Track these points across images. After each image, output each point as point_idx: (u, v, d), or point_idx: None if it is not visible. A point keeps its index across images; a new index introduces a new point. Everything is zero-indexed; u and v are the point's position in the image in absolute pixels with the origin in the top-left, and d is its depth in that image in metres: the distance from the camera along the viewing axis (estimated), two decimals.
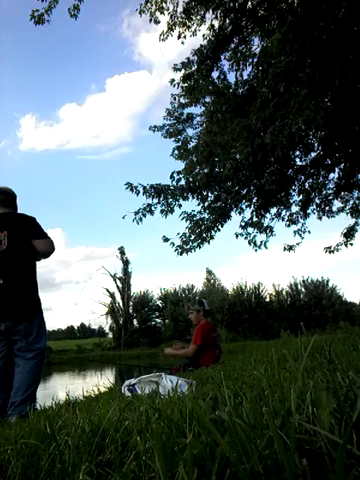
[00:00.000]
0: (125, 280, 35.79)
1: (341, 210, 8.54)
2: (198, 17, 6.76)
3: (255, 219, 7.54)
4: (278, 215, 7.89)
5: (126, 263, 36.11)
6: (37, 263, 3.06)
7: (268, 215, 7.68)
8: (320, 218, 8.31)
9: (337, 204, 8.46)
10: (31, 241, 2.92)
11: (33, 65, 68.30)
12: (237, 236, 7.64)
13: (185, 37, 6.96)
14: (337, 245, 8.55)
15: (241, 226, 7.62)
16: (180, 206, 6.94)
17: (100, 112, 65.91)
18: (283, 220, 8.00)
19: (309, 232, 8.24)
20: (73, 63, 69.60)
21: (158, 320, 36.38)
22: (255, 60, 6.55)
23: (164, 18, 6.82)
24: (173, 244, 6.98)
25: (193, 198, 7.07)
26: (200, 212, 7.18)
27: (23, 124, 77.45)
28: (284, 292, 33.45)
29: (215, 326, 5.06)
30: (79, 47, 69.00)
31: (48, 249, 3.01)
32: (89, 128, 69.57)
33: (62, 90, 68.94)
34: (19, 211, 3.12)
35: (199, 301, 4.96)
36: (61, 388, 10.75)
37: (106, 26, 62.70)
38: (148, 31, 47.24)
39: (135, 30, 50.74)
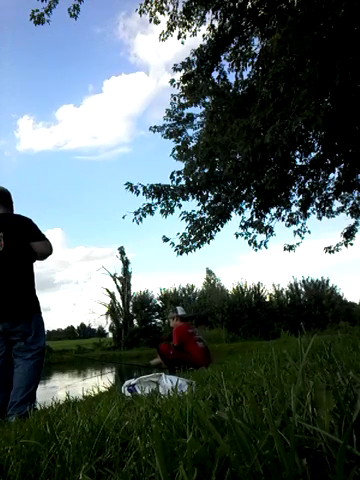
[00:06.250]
0: (125, 280, 35.74)
1: (341, 210, 8.56)
2: (198, 17, 6.78)
3: (255, 219, 7.55)
4: (278, 215, 7.89)
5: (126, 263, 36.05)
6: (34, 264, 3.07)
7: (268, 215, 7.70)
8: (320, 218, 8.32)
9: (337, 204, 8.48)
10: (29, 243, 2.93)
11: (31, 66, 67.88)
12: (237, 236, 7.65)
13: (185, 37, 6.99)
14: (337, 245, 8.55)
15: (241, 226, 7.64)
16: (180, 206, 6.94)
17: (97, 113, 65.50)
18: (283, 220, 8.01)
19: (309, 232, 8.25)
20: (70, 64, 69.26)
21: (158, 320, 36.28)
22: (255, 60, 6.56)
23: (164, 18, 6.85)
24: (173, 244, 6.99)
25: (193, 198, 7.07)
26: (200, 212, 7.18)
27: (21, 125, 77.11)
28: (284, 292, 33.36)
29: (191, 324, 5.69)
30: (76, 49, 68.60)
31: (46, 251, 3.02)
32: (87, 129, 69.02)
33: (59, 91, 68.58)
34: (17, 212, 3.12)
35: (173, 308, 5.57)
36: (61, 388, 10.74)
37: (102, 28, 62.41)
38: (144, 33, 46.89)
39: (131, 32, 50.53)
